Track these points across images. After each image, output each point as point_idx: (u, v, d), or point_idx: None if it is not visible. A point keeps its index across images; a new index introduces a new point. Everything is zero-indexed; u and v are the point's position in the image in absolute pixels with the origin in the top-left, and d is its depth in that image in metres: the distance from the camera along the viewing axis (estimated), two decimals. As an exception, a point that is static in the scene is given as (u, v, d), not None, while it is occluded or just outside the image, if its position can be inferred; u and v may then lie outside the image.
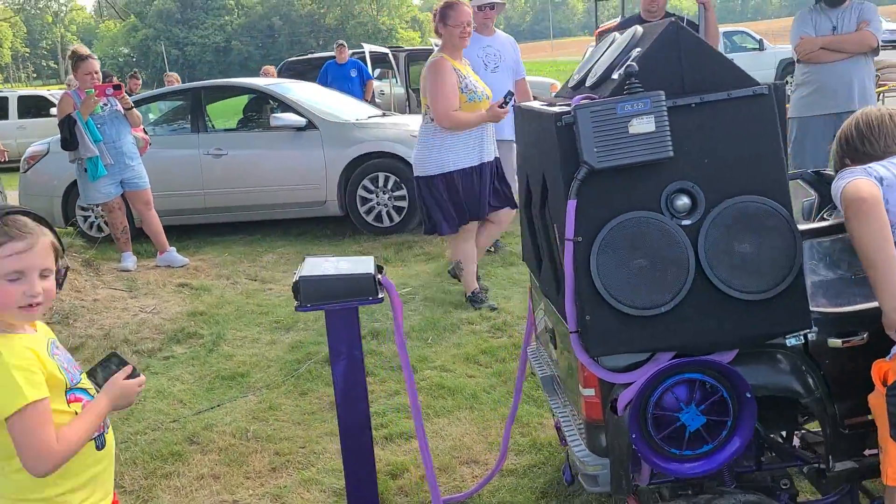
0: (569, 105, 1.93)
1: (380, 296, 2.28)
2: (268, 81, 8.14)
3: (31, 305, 1.67)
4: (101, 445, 1.81)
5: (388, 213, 6.98)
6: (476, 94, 4.49)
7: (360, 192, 6.97)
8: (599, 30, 9.73)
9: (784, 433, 2.26)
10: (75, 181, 7.40)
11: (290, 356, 4.26)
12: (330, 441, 3.31)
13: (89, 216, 7.57)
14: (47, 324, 1.86)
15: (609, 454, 1.94)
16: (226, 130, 7.83)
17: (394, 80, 12.50)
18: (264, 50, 73.82)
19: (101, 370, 1.81)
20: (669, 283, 1.82)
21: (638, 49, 1.92)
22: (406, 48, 13.47)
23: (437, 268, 5.84)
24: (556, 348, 2.30)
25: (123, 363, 1.82)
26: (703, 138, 1.85)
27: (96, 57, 5.93)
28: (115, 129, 5.88)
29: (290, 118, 7.07)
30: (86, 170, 5.83)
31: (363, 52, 12.15)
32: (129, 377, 1.81)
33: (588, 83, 2.10)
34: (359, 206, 7.00)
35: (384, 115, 7.96)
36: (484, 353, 4.08)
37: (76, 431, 1.68)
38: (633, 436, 1.88)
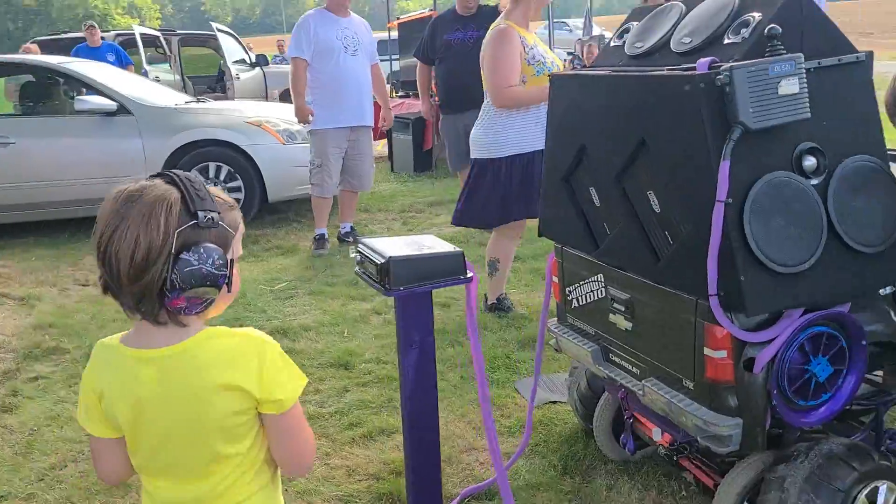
0: (692, 69, 1.93)
1: (469, 274, 2.10)
2: (60, 59, 7.09)
3: None
4: None
5: (220, 205, 6.42)
6: (545, 65, 3.82)
7: (188, 183, 6.33)
8: (400, 21, 9.79)
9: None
10: None
11: (195, 363, 3.77)
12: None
13: None
14: None
15: (743, 413, 1.98)
16: (9, 115, 6.70)
17: (168, 66, 11.56)
18: (-51, 32, 64.08)
19: None
20: (808, 241, 1.89)
21: (757, 14, 1.95)
22: (179, 31, 12.48)
23: (300, 260, 5.51)
24: (630, 318, 2.28)
25: None
26: (821, 101, 1.93)
27: None
28: None
29: (99, 102, 6.23)
30: None
31: (132, 34, 11.08)
32: None
33: (678, 50, 2.10)
34: (186, 199, 6.36)
35: (198, 100, 7.32)
36: (413, 341, 3.92)
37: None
38: (774, 391, 1.94)
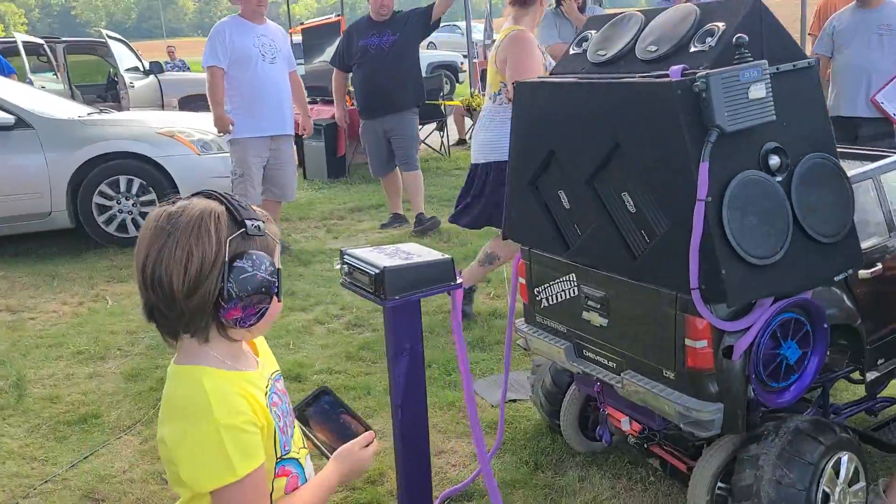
0: (665, 76, 2.03)
1: (458, 280, 2.13)
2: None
3: None
4: None
5: (133, 220, 6.17)
6: None
7: (97, 199, 6.06)
8: (304, 26, 9.69)
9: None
10: None
11: (136, 386, 3.63)
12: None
13: None
14: None
15: (723, 398, 2.10)
16: None
17: (53, 74, 10.99)
18: None
19: (314, 416, 1.47)
20: (778, 234, 2.03)
21: (721, 24, 2.08)
22: (64, 39, 11.86)
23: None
24: (606, 315, 2.37)
25: (339, 407, 1.49)
26: (781, 103, 2.08)
27: None
28: None
29: (-6, 115, 5.88)
30: None
31: (13, 42, 10.48)
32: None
33: (644, 57, 2.20)
34: (95, 216, 6.09)
35: (101, 111, 7.01)
36: (362, 348, 3.92)
37: None
38: (752, 376, 2.07)
